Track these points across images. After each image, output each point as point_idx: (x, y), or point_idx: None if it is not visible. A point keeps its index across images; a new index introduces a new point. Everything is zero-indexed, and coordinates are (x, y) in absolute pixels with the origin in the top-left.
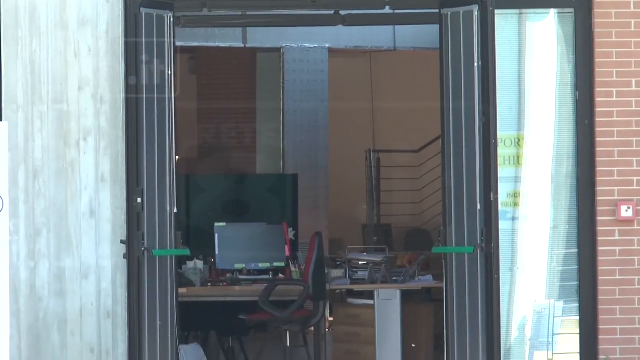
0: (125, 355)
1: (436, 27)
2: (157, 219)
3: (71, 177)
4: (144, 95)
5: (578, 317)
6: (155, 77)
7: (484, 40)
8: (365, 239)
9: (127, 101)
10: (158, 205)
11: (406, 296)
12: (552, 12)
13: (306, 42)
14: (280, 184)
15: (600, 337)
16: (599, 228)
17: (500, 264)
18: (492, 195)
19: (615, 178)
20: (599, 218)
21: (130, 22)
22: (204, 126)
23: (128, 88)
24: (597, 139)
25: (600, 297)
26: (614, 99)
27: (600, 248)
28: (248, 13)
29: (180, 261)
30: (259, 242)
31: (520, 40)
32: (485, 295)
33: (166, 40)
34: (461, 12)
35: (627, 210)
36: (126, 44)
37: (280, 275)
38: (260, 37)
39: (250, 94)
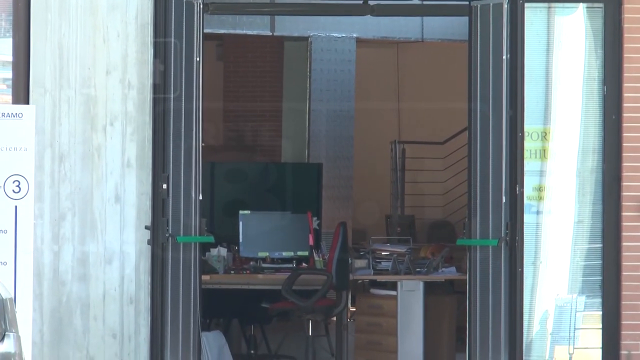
0: (147, 341)
1: (464, 19)
2: (182, 205)
3: (97, 162)
4: (172, 82)
5: (600, 312)
6: (184, 64)
7: (513, 33)
8: (389, 230)
9: (155, 87)
10: (183, 191)
11: (429, 288)
12: (581, 6)
13: (334, 32)
14: (305, 173)
15: (623, 332)
16: (624, 223)
17: (524, 258)
18: (517, 189)
19: None
20: (624, 213)
21: (159, 8)
22: (230, 114)
23: (156, 74)
24: (624, 134)
25: (623, 293)
26: None
27: (624, 243)
28: (276, 1)
29: (204, 248)
30: (283, 231)
31: (548, 34)
32: (509, 288)
33: (195, 26)
34: (491, 4)
35: None
36: (155, 29)
37: (304, 264)
38: (288, 26)
39: (277, 83)
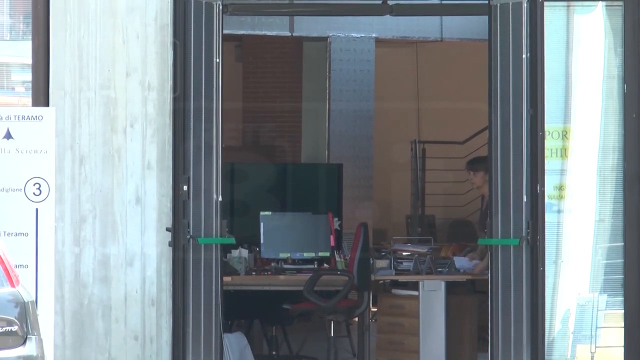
0: (169, 343)
1: (483, 18)
2: (202, 207)
3: (117, 164)
4: (192, 83)
5: (622, 311)
6: (203, 65)
7: (533, 32)
8: (409, 230)
9: (175, 88)
10: (204, 193)
11: (450, 287)
12: (600, 5)
13: (353, 32)
14: (325, 173)
15: None
16: None
17: (545, 257)
18: (538, 188)
19: None
20: None
21: (179, 9)
22: (249, 115)
23: (176, 75)
24: None
25: None
26: None
27: None
28: (295, 2)
29: (225, 249)
30: (304, 232)
31: (568, 33)
32: (530, 287)
33: (214, 28)
34: (510, 3)
35: None
36: (174, 31)
37: (325, 265)
38: (307, 26)
39: (296, 83)
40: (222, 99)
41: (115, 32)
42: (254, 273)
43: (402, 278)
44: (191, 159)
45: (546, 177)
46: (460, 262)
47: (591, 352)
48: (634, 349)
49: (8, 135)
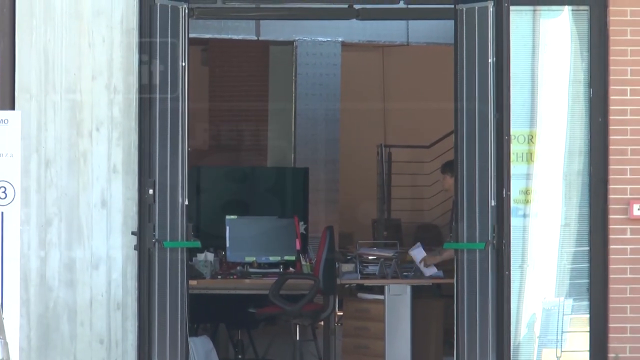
0: (135, 347)
1: (449, 22)
2: (168, 210)
3: (83, 168)
4: (157, 87)
5: (588, 315)
6: (169, 69)
7: (499, 36)
8: (375, 234)
9: (141, 92)
10: (170, 196)
11: (416, 291)
12: (566, 9)
13: (319, 36)
14: (291, 177)
15: (610, 335)
16: (610, 226)
17: (511, 261)
18: (504, 192)
19: (628, 176)
20: (610, 216)
21: (145, 13)
22: (215, 118)
23: (141, 79)
24: (611, 137)
25: (610, 296)
26: (628, 97)
27: (611, 246)
28: (261, 5)
29: (191, 253)
30: (269, 236)
31: (534, 37)
32: (496, 291)
33: (180, 31)
34: (476, 7)
35: (639, 209)
36: (140, 34)
37: (291, 269)
38: (273, 30)
39: (263, 87)
40: (188, 102)
41: (81, 36)
42: (219, 277)
43: (367, 282)
44: (157, 163)
45: (512, 181)
46: (417, 252)
47: (557, 357)
48: (600, 353)
49: None
